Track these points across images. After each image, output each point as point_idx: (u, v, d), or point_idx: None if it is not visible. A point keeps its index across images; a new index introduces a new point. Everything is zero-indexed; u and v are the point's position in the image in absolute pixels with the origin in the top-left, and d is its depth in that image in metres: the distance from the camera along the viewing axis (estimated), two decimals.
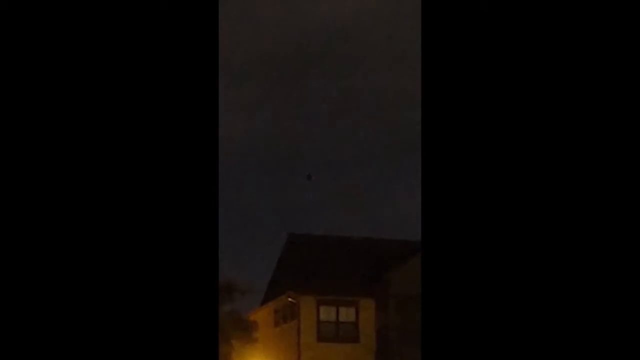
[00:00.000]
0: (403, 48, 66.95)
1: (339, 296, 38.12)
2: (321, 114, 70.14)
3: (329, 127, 70.17)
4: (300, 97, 69.02)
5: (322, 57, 65.18)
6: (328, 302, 37.94)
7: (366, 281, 38.79)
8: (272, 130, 69.07)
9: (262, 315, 40.23)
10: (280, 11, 67.26)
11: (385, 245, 41.70)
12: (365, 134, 69.96)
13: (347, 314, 38.45)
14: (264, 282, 43.07)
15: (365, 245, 41.37)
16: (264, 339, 38.69)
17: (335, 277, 38.75)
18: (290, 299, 37.65)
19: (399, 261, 39.61)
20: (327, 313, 38.11)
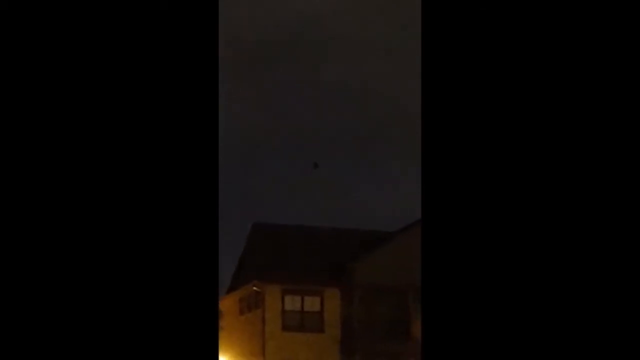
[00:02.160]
0: (371, 40, 66.96)
1: (304, 286, 38.18)
2: (288, 106, 70.07)
3: (295, 119, 70.11)
4: (268, 89, 68.91)
5: (290, 49, 65.07)
6: (293, 291, 37.99)
7: (331, 271, 38.84)
8: (239, 122, 68.97)
9: (227, 304, 40.26)
10: (248, 2, 67.09)
11: (350, 236, 41.78)
12: (332, 125, 69.96)
13: (312, 304, 38.51)
14: (230, 271, 43.12)
15: (331, 235, 41.41)
16: (228, 327, 38.73)
17: (300, 267, 38.80)
18: (255, 288, 37.69)
19: (364, 251, 39.74)
20: (292, 302, 38.15)
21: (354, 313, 38.26)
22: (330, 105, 70.04)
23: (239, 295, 40.09)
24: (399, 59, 68.94)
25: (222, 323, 37.38)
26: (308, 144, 71.62)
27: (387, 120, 68.15)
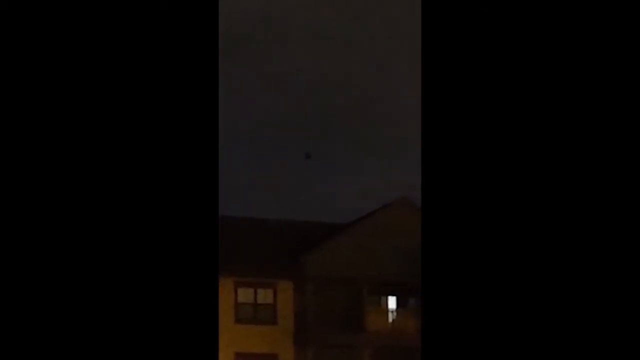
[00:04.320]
0: (324, 32, 66.92)
1: (257, 278, 38.06)
2: (241, 97, 69.86)
3: (249, 110, 69.91)
4: (221, 80, 68.62)
5: (243, 40, 64.83)
6: (246, 283, 37.88)
7: (284, 263, 38.78)
8: None
9: None
10: None
11: (302, 228, 41.76)
12: (285, 117, 69.87)
13: (265, 296, 38.44)
14: None
15: (283, 227, 41.35)
16: None
17: (253, 259, 38.68)
18: None
19: (317, 243, 39.72)
20: (245, 295, 38.06)
21: (308, 305, 38.23)
22: (286, 98, 69.93)
23: None
24: (353, 50, 68.94)
25: None
26: (263, 135, 71.43)
27: (344, 112, 68.14)
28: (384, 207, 40.48)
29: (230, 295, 37.55)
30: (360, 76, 69.80)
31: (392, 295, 39.84)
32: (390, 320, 39.51)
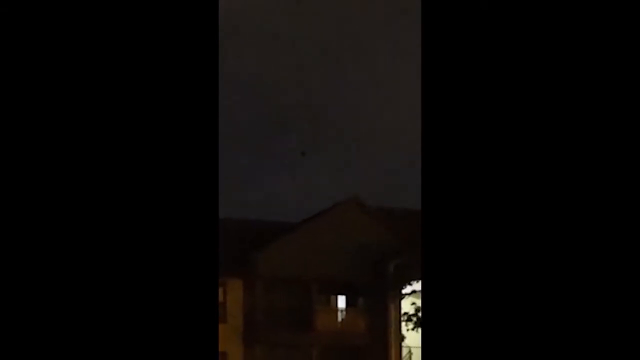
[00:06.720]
0: (275, 33, 66.92)
1: None
2: None
3: None
4: None
5: None
6: None
7: (234, 262, 38.72)
8: None
9: None
10: None
11: (252, 227, 41.76)
12: (236, 116, 69.77)
13: None
14: None
15: (233, 226, 41.25)
16: None
17: None
18: None
19: (267, 242, 39.71)
20: None
21: (257, 303, 38.24)
22: (235, 96, 69.80)
23: None
24: (304, 51, 69.07)
25: None
26: None
27: (294, 111, 68.22)
28: (334, 206, 40.58)
29: None
30: (311, 76, 69.97)
31: (342, 294, 39.97)
32: (339, 319, 39.62)
